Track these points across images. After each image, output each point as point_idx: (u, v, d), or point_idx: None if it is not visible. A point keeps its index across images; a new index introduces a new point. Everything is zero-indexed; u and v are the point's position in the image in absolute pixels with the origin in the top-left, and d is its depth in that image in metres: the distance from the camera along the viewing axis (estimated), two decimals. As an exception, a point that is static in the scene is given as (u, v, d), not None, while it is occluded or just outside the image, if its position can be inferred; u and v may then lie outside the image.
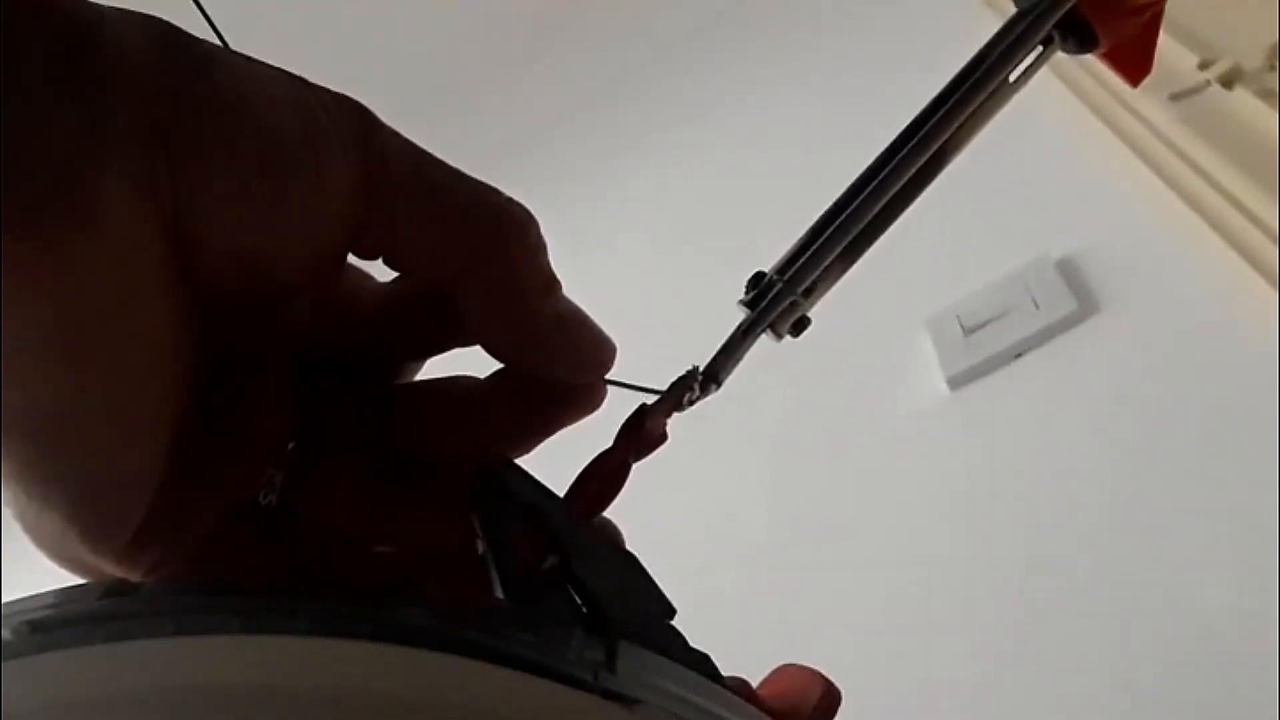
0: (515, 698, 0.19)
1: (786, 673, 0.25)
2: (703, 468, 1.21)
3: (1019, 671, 0.87)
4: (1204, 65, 1.06)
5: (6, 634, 0.18)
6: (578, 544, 0.22)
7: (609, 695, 0.19)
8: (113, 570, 0.21)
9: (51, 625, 0.18)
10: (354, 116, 0.21)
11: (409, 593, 0.20)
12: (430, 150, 0.22)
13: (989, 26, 0.30)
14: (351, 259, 0.23)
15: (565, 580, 0.22)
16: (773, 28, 1.98)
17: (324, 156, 0.20)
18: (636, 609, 0.22)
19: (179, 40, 0.19)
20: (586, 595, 0.21)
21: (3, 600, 0.20)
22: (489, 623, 0.20)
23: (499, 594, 0.21)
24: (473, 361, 0.25)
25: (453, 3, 2.20)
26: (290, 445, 0.23)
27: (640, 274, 1.61)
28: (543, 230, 0.23)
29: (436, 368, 0.26)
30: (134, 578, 0.21)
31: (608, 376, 0.25)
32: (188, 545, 0.21)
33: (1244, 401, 0.92)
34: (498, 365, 0.25)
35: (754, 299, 0.27)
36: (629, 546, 0.23)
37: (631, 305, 1.48)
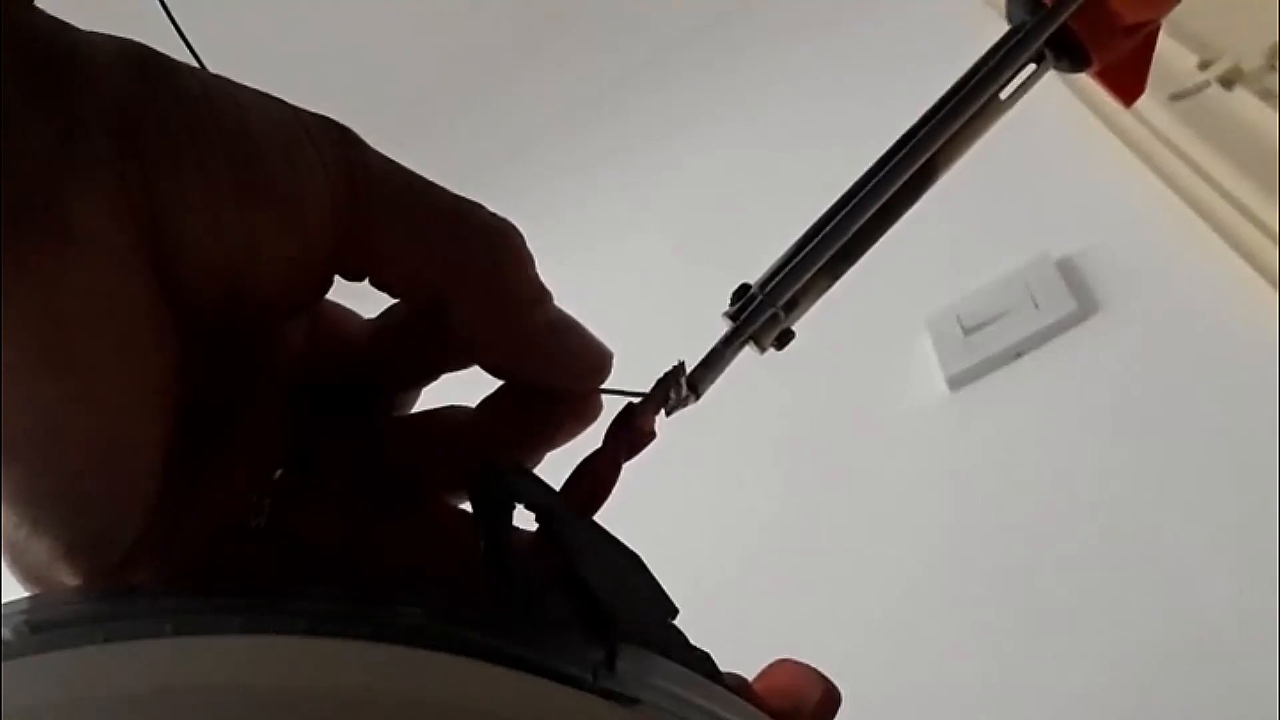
0: (515, 698, 0.19)
1: (785, 669, 0.25)
2: (703, 468, 1.21)
3: (1019, 671, 0.87)
4: (1204, 65, 1.06)
5: (6, 634, 0.18)
6: (581, 543, 0.22)
7: (608, 695, 0.19)
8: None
9: (51, 625, 0.18)
10: (334, 135, 0.21)
11: (409, 593, 0.20)
12: (424, 158, 0.22)
13: (991, 27, 0.30)
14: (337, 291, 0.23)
15: (568, 580, 0.22)
16: (770, 31, 1.97)
17: (302, 173, 0.20)
18: (638, 609, 0.22)
19: (153, 60, 0.19)
20: (589, 595, 0.21)
21: (3, 600, 0.20)
22: (489, 623, 0.20)
23: (501, 593, 0.21)
24: (466, 392, 0.25)
25: (445, 8, 2.20)
26: (280, 471, 0.23)
27: (638, 281, 1.61)
28: (533, 241, 0.23)
29: (433, 397, 0.26)
30: None
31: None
32: (176, 566, 0.21)
33: (1244, 401, 0.92)
34: (490, 393, 0.25)
35: (737, 311, 0.27)
36: (630, 546, 0.23)
37: (629, 312, 1.48)
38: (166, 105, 0.19)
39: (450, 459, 0.24)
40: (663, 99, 2.01)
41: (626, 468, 0.25)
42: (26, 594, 0.20)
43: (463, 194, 0.23)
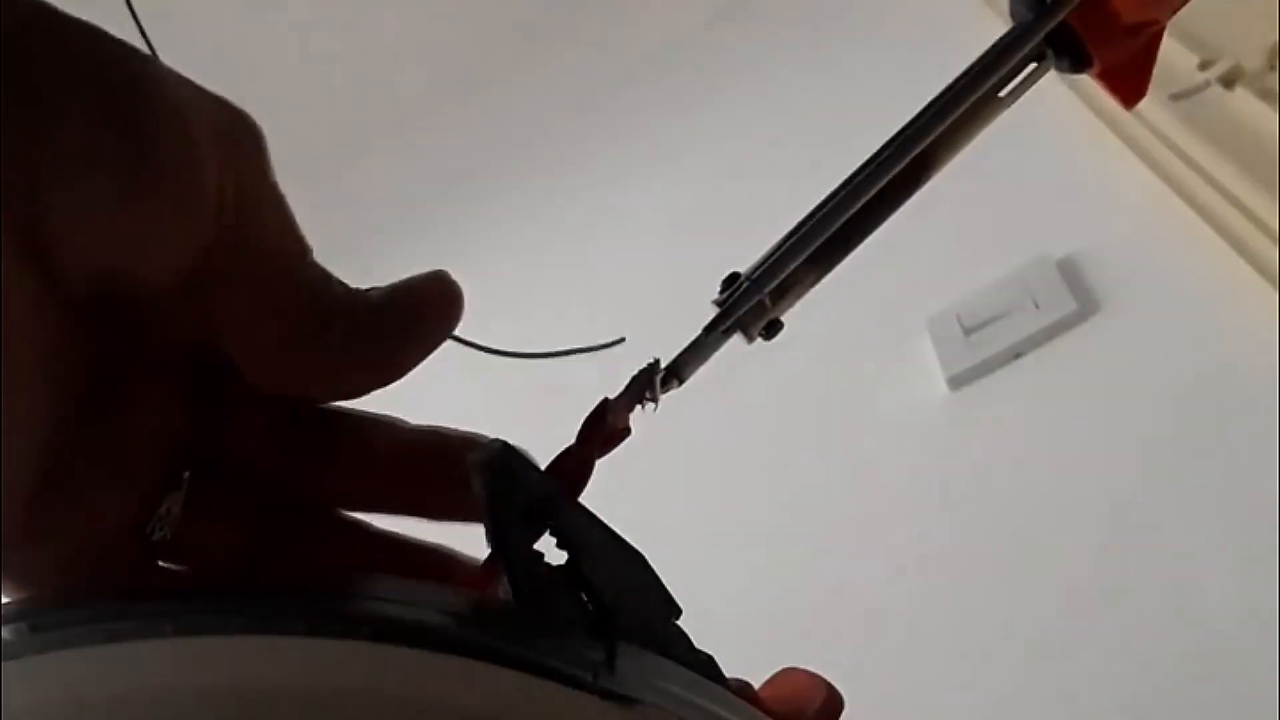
0: (514, 697, 0.19)
1: (789, 676, 0.25)
2: (703, 467, 1.21)
3: (1018, 671, 0.87)
4: (1204, 65, 1.06)
5: (6, 634, 0.18)
6: (586, 541, 0.22)
7: (608, 695, 0.19)
8: None
9: (51, 625, 0.18)
10: (241, 138, 0.20)
11: (409, 593, 0.20)
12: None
13: (988, 25, 0.30)
14: None
15: (572, 578, 0.22)
16: (770, 28, 1.97)
17: (200, 169, 0.19)
18: (642, 609, 0.22)
19: (47, 42, 0.18)
20: (592, 594, 0.21)
21: (3, 600, 0.20)
22: (488, 623, 0.20)
23: (506, 590, 0.21)
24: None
25: (450, 6, 2.21)
26: (186, 474, 0.22)
27: (638, 275, 1.61)
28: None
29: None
30: (8, 593, 0.20)
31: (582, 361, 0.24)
32: (66, 560, 0.20)
33: (1244, 401, 0.92)
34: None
35: (724, 299, 0.27)
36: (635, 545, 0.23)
37: (633, 299, 1.48)
38: (57, 81, 0.18)
39: (372, 486, 0.24)
40: (663, 97, 2.01)
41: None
42: (27, 594, 0.20)
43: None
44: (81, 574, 0.21)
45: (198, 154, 0.19)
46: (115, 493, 0.21)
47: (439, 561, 0.24)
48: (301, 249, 0.21)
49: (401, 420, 0.24)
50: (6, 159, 0.17)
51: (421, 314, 0.22)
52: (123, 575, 0.21)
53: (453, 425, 0.24)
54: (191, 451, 0.22)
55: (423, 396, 0.27)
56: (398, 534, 0.24)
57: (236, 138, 0.20)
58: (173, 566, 0.22)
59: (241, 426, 0.23)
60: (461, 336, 0.25)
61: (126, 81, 0.19)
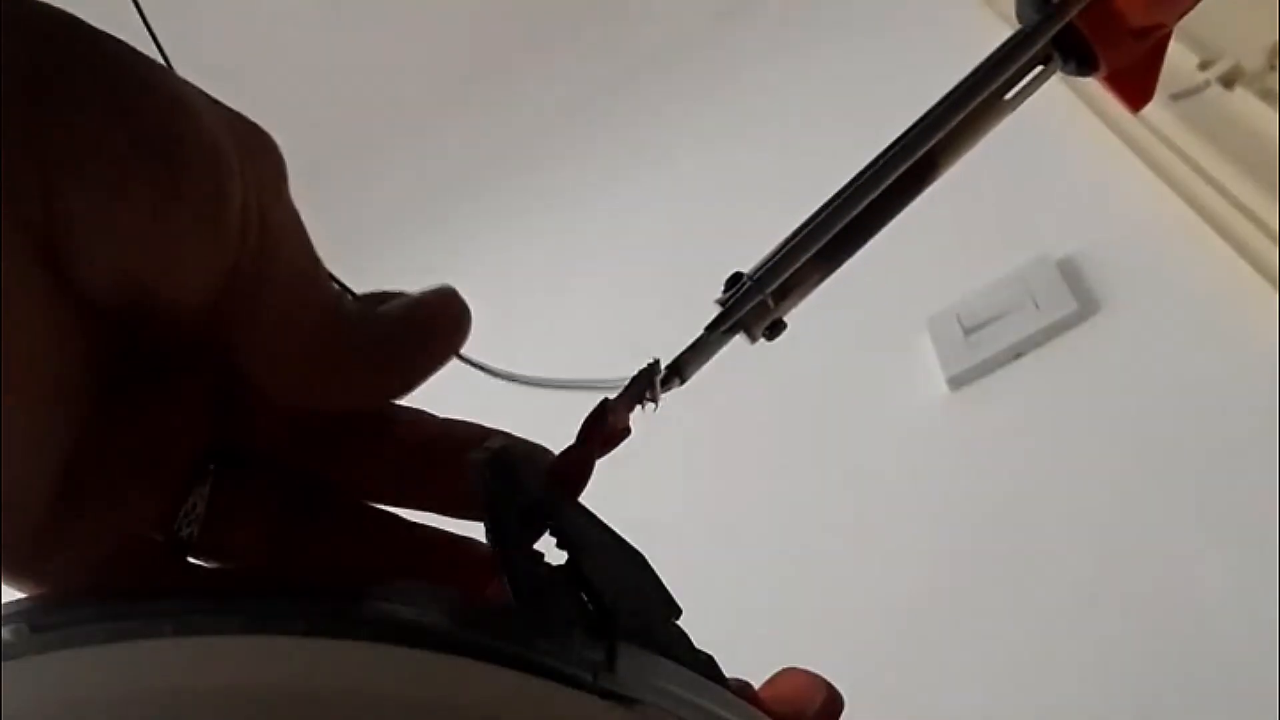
0: (515, 697, 0.19)
1: (790, 676, 0.25)
2: (703, 467, 1.21)
3: (1018, 670, 0.87)
4: (1204, 65, 1.06)
5: (6, 634, 0.18)
6: (586, 541, 0.22)
7: (608, 695, 0.19)
8: (8, 585, 0.20)
9: (51, 625, 0.18)
10: (264, 156, 0.20)
11: (409, 593, 0.20)
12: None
13: (989, 25, 0.30)
14: None
15: (572, 578, 0.22)
16: (770, 28, 1.98)
17: (223, 186, 0.19)
18: (642, 609, 0.22)
19: (70, 36, 0.18)
20: (592, 594, 0.21)
21: (3, 600, 0.20)
22: (489, 623, 0.20)
23: (506, 589, 0.21)
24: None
25: (458, 7, 2.21)
26: (211, 466, 0.22)
27: (641, 269, 1.61)
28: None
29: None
30: (30, 591, 0.20)
31: (570, 378, 0.24)
32: (87, 562, 0.20)
33: (1244, 401, 0.92)
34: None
35: (727, 298, 0.27)
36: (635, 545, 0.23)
37: (634, 298, 1.48)
38: (71, 82, 0.18)
39: (398, 481, 0.24)
40: (663, 97, 2.01)
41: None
42: (26, 594, 0.20)
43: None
44: (109, 574, 0.21)
45: (223, 163, 0.19)
46: (139, 492, 0.21)
47: (469, 553, 0.24)
48: (316, 265, 0.21)
49: (429, 413, 0.24)
50: (20, 159, 0.17)
51: (432, 329, 0.22)
52: (151, 573, 0.21)
53: (467, 416, 0.24)
54: (216, 445, 0.22)
55: (436, 387, 0.27)
56: (426, 525, 0.24)
57: (257, 154, 0.20)
58: (201, 563, 0.23)
59: (265, 420, 0.23)
60: (467, 356, 0.25)
61: (144, 85, 0.18)
